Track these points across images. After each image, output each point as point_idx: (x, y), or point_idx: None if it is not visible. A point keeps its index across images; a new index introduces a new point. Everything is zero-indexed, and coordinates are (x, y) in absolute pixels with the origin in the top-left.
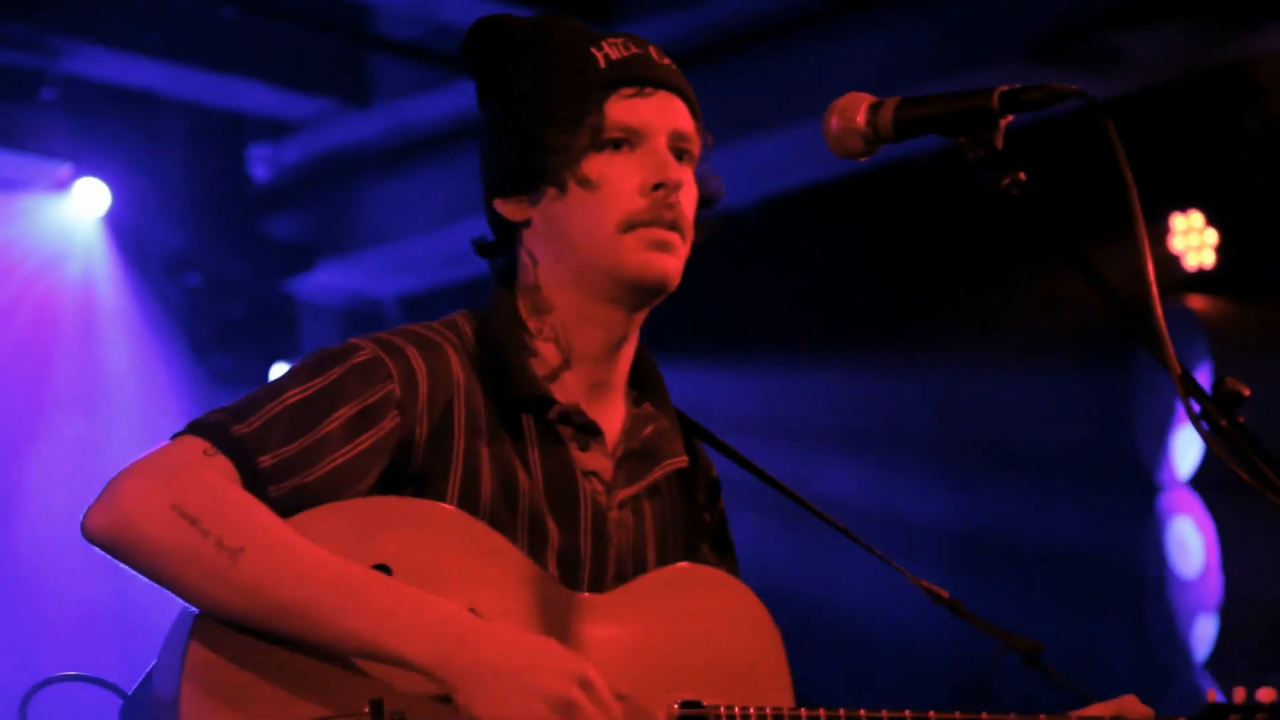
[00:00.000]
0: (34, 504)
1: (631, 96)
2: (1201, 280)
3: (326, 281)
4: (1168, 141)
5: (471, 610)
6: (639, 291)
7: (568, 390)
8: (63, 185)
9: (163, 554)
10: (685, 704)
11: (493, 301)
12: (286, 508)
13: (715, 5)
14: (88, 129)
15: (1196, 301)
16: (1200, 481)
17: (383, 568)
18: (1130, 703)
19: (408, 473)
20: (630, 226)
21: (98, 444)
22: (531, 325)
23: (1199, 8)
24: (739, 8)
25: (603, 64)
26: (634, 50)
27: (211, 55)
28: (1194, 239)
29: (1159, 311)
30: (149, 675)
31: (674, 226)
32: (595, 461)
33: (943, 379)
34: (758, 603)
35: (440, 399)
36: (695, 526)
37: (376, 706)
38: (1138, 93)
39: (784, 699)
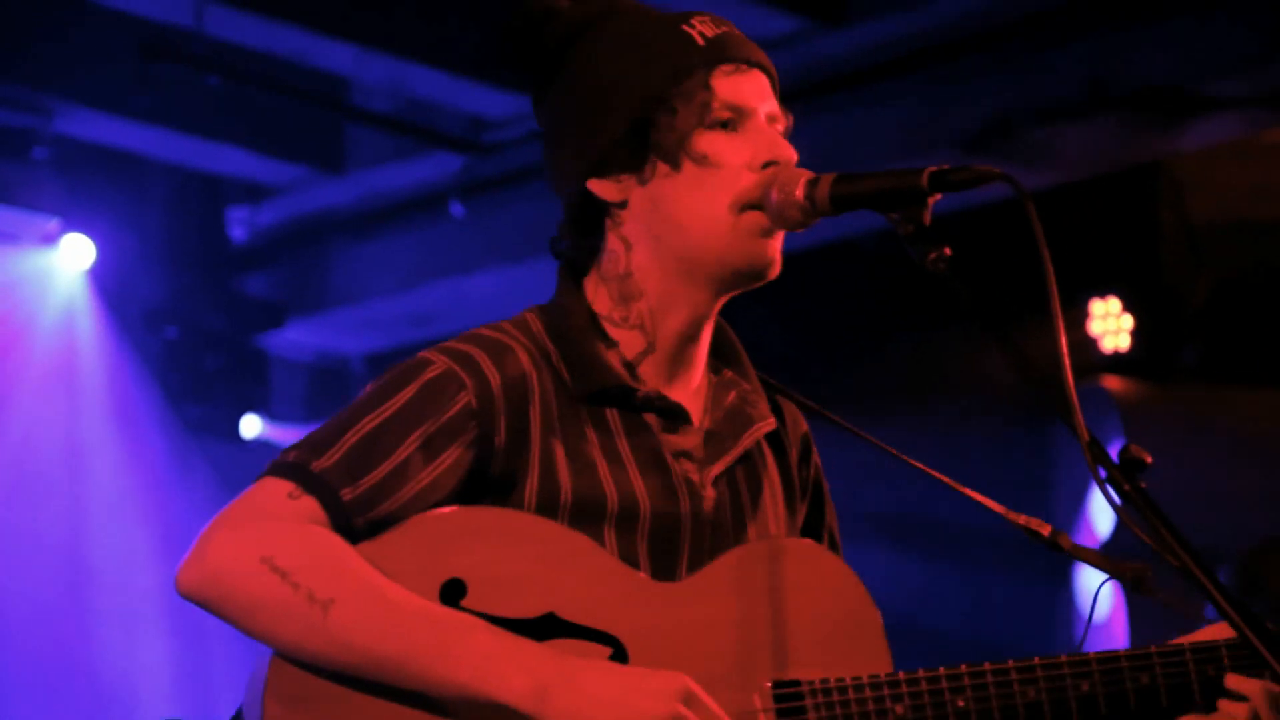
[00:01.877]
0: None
1: (732, 74)
2: (1117, 362)
3: (297, 338)
4: (1090, 231)
5: (552, 615)
6: (743, 278)
7: (649, 375)
8: (50, 239)
9: (256, 609)
10: (779, 684)
11: (563, 295)
12: (373, 533)
13: None
14: (76, 187)
15: (1112, 382)
16: (1113, 548)
17: (457, 582)
18: (1223, 628)
19: (488, 479)
20: (744, 207)
21: (77, 478)
22: (616, 314)
23: (1124, 106)
24: None
25: (700, 41)
26: (724, 28)
27: (195, 121)
28: (1111, 323)
29: (1070, 382)
30: (237, 711)
31: None
32: (684, 441)
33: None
34: (851, 573)
35: (516, 403)
36: (790, 486)
37: None
38: (1064, 185)
39: (883, 667)
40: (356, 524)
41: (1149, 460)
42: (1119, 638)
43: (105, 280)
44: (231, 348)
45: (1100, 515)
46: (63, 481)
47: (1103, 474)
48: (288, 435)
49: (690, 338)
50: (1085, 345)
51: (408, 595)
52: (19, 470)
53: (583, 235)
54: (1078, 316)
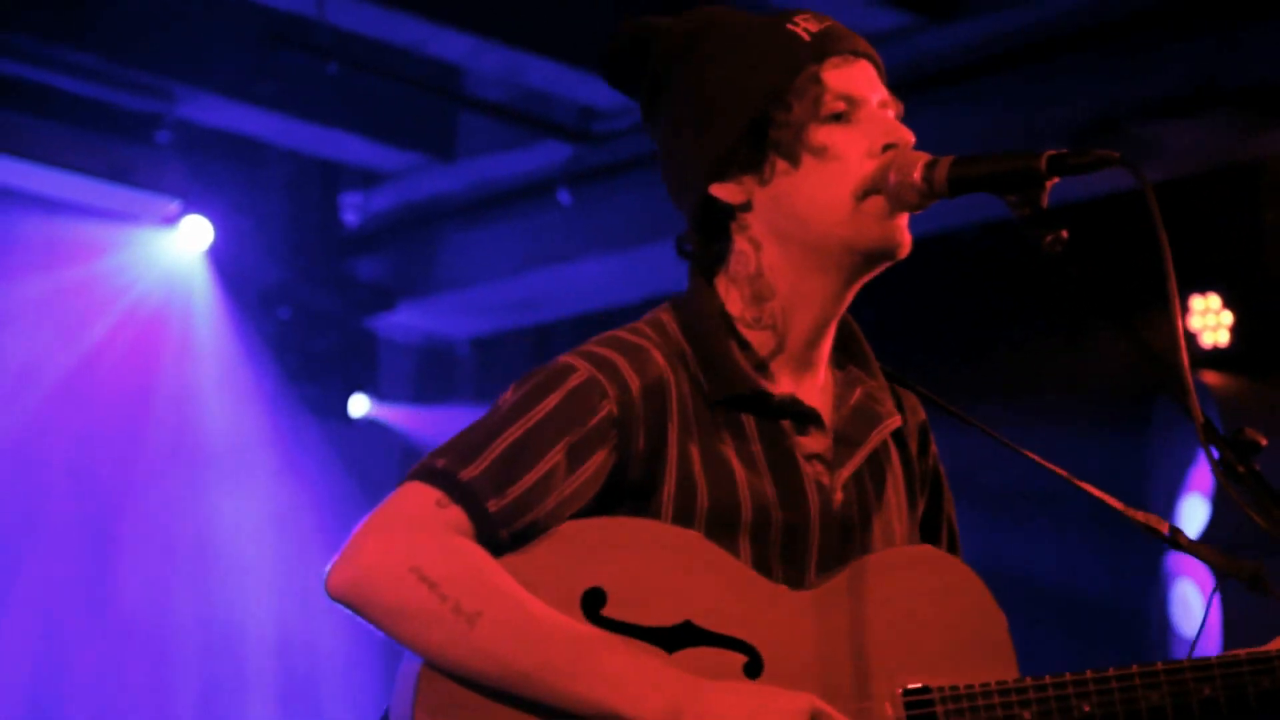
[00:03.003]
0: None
1: (840, 66)
2: (1216, 357)
3: (406, 320)
4: (1192, 228)
5: (689, 623)
6: (876, 261)
7: (781, 376)
8: (171, 220)
9: (403, 616)
10: (909, 690)
11: (696, 296)
12: (516, 543)
13: None
14: (197, 170)
15: (1210, 377)
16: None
17: (597, 591)
18: None
19: (626, 484)
20: (866, 193)
21: (196, 454)
22: (749, 315)
23: (1230, 104)
24: None
25: (806, 37)
26: (827, 23)
27: (313, 108)
28: (1210, 319)
29: (1186, 366)
30: (385, 713)
31: None
32: (815, 444)
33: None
34: (975, 578)
35: (655, 408)
36: (911, 478)
37: None
38: (1167, 182)
39: (1010, 673)
40: (501, 535)
41: (1264, 443)
42: (1212, 639)
43: (223, 261)
44: (342, 329)
45: (1193, 514)
46: (182, 455)
47: (1216, 455)
48: (394, 415)
49: (820, 335)
50: (1185, 340)
51: (551, 612)
52: (146, 446)
53: (709, 240)
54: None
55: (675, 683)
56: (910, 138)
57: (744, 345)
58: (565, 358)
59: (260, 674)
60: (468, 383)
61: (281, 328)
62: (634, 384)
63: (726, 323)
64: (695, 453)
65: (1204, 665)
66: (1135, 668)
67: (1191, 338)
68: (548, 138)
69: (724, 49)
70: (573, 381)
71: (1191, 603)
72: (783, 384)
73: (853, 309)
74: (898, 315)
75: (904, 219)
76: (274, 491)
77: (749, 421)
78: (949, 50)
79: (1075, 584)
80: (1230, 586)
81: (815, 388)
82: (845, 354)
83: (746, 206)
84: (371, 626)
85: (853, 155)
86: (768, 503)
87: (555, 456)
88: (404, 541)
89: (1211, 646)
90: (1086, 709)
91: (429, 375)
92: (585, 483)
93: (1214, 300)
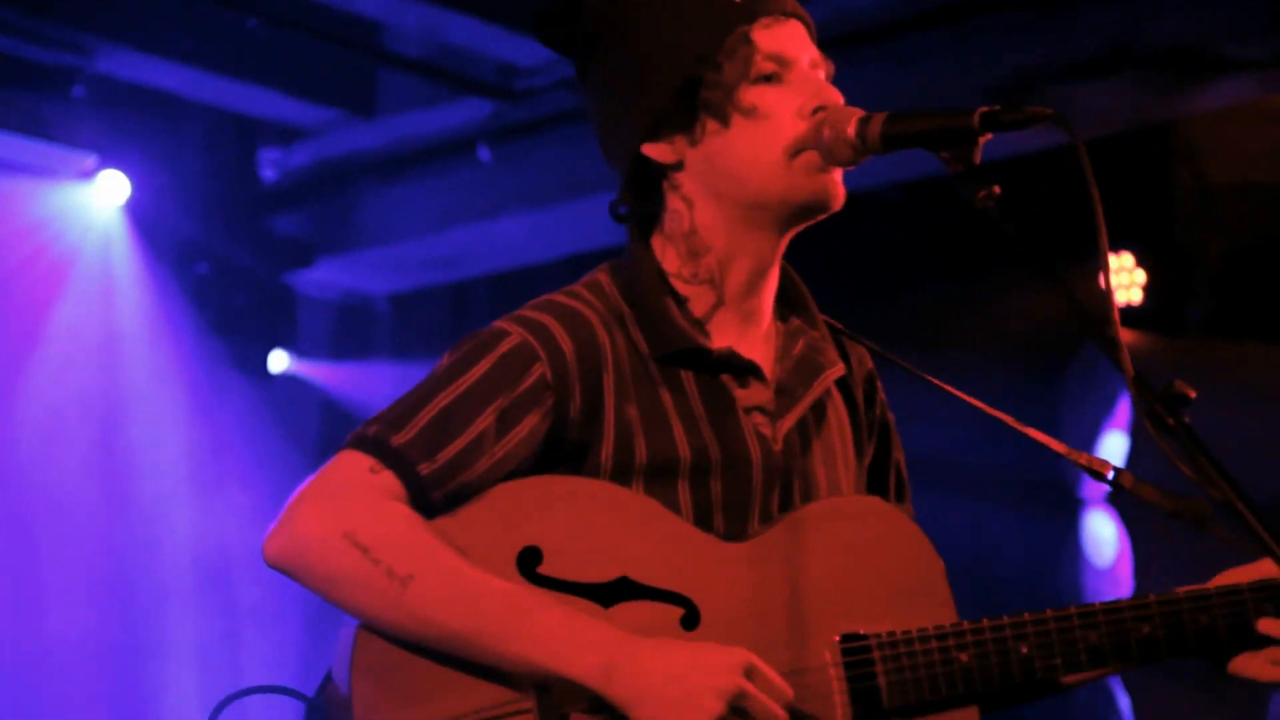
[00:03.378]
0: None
1: (771, 26)
2: (1128, 316)
3: (324, 277)
4: (1106, 187)
5: (625, 578)
6: (810, 214)
7: (721, 331)
8: (88, 175)
9: (337, 581)
10: (846, 637)
11: (634, 257)
12: (450, 505)
13: None
14: (114, 124)
15: (1123, 334)
16: (1118, 498)
17: (532, 550)
18: (1268, 565)
19: (564, 447)
20: (799, 150)
21: (114, 409)
22: (685, 271)
23: (1144, 66)
24: None
25: None
26: None
27: (231, 63)
28: (1124, 278)
29: (1117, 320)
30: (328, 673)
31: None
32: (757, 396)
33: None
34: (914, 527)
35: (590, 370)
36: (859, 427)
37: (542, 695)
38: (1083, 143)
39: (948, 618)
40: (434, 497)
41: (1193, 395)
42: (1124, 581)
43: (141, 216)
44: (261, 285)
45: (1113, 450)
46: (100, 409)
47: (1146, 408)
48: (314, 371)
49: (757, 286)
50: (1099, 298)
51: (483, 573)
52: (58, 397)
53: (642, 199)
54: (1091, 269)
55: (609, 641)
56: (839, 100)
57: (681, 302)
58: (499, 323)
59: (178, 628)
60: (386, 339)
61: (200, 283)
62: (567, 347)
63: (663, 281)
64: (633, 412)
65: (1142, 604)
66: (1073, 609)
67: (1105, 296)
68: (468, 94)
69: (655, 9)
70: (505, 346)
71: (1102, 535)
72: (723, 338)
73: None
74: (811, 272)
75: (838, 172)
76: (193, 448)
77: (688, 378)
78: (868, 8)
79: (984, 554)
80: (1144, 529)
81: (758, 340)
82: (788, 306)
83: (678, 166)
84: (311, 592)
85: (783, 115)
86: (707, 450)
87: (486, 420)
88: (337, 508)
89: (1124, 585)
90: (1024, 651)
91: (348, 331)
92: (517, 445)
93: (1127, 259)
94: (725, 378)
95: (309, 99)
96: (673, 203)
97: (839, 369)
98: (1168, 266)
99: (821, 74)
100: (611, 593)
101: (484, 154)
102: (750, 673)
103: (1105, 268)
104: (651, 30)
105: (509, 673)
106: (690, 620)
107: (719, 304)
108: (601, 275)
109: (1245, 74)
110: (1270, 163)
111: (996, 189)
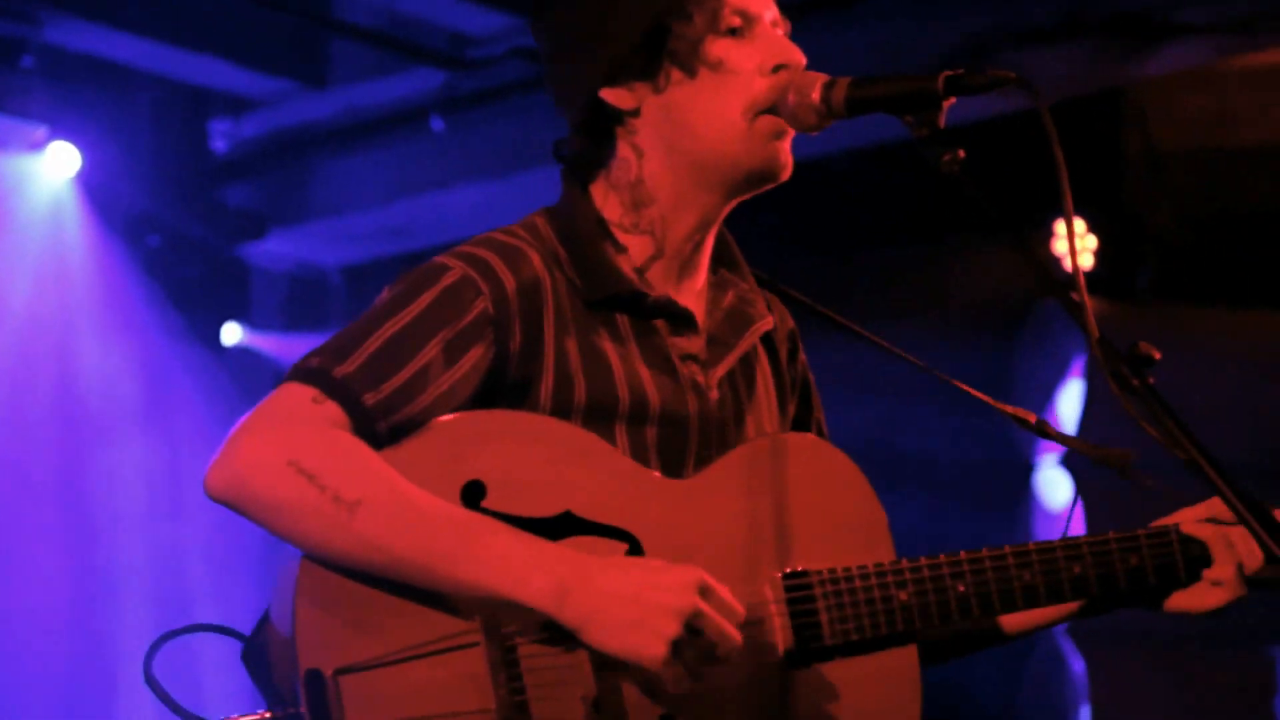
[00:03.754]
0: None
1: None
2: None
3: (277, 248)
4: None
5: (569, 513)
6: (759, 182)
7: (657, 280)
8: (37, 146)
9: (282, 510)
10: (788, 575)
11: (569, 200)
12: (395, 437)
13: None
14: (64, 95)
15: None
16: (1070, 462)
17: (477, 483)
18: (1217, 504)
19: (505, 382)
20: (759, 112)
21: (67, 382)
22: (626, 221)
23: (1095, 32)
24: None
25: None
26: None
27: (182, 33)
28: (1076, 243)
29: (1082, 282)
30: (265, 614)
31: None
32: (690, 344)
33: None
34: (850, 463)
35: (530, 306)
36: (782, 382)
37: (489, 624)
38: (1034, 108)
39: (886, 555)
40: (379, 428)
41: (1158, 356)
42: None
43: (91, 188)
44: (212, 257)
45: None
46: (53, 383)
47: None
48: (266, 343)
49: (698, 242)
50: (1051, 263)
51: (431, 498)
52: (9, 369)
53: (592, 144)
54: (1043, 236)
55: (561, 563)
56: (801, 59)
57: (620, 249)
58: (440, 258)
59: (130, 595)
60: (339, 311)
61: (151, 255)
62: (509, 282)
63: (603, 228)
64: (572, 349)
65: (1074, 544)
66: (1008, 549)
67: (1057, 261)
68: (420, 64)
69: None
70: (447, 280)
71: (1056, 483)
72: (660, 287)
73: (726, 224)
74: (762, 236)
75: (788, 142)
76: (146, 423)
77: (624, 321)
78: None
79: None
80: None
81: (693, 292)
82: (717, 259)
83: (635, 113)
84: (253, 525)
85: (747, 71)
86: (645, 394)
87: (431, 351)
88: (280, 436)
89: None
90: (961, 589)
91: (300, 303)
92: (462, 378)
93: (1079, 224)
94: (660, 324)
95: (260, 69)
96: (623, 151)
97: (768, 322)
98: (1118, 232)
99: (783, 31)
100: (556, 527)
101: (436, 124)
102: (705, 591)
103: (1071, 231)
104: None
105: (459, 599)
106: (634, 555)
107: (657, 255)
108: (538, 219)
109: (1195, 38)
110: (1219, 128)
111: (961, 153)
